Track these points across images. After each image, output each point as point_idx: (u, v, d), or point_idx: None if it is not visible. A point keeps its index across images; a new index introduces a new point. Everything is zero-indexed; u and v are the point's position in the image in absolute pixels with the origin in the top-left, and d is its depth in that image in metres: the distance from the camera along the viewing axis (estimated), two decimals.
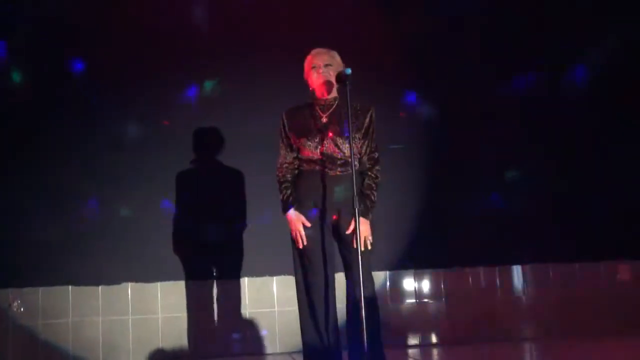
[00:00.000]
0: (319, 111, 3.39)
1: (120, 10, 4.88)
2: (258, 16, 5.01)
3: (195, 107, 4.89)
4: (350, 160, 3.19)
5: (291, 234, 3.36)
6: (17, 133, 4.72)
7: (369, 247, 3.29)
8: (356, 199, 3.04)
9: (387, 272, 4.93)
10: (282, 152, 3.46)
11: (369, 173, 3.37)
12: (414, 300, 4.98)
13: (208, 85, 4.87)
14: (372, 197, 3.33)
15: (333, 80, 3.32)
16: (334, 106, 3.38)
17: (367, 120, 3.37)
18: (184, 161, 4.82)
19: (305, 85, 3.50)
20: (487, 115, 5.12)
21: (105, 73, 4.81)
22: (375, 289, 3.41)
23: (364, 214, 3.25)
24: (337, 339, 3.32)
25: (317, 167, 3.32)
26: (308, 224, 3.28)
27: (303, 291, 3.33)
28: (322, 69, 3.34)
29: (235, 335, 4.75)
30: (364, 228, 3.24)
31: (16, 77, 4.77)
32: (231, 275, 4.80)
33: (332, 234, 3.38)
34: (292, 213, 3.32)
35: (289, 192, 3.36)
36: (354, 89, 3.19)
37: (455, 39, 5.15)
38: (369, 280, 3.29)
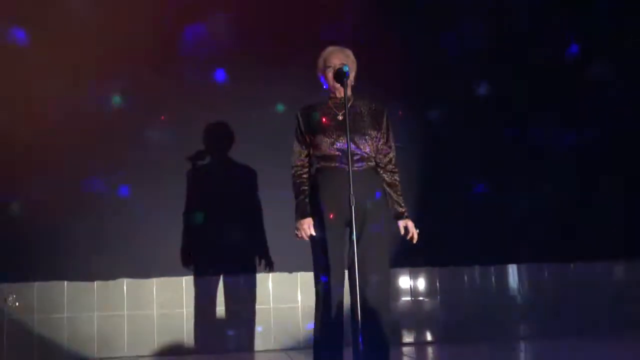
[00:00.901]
0: (334, 109, 3.41)
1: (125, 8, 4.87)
2: (260, 15, 4.99)
3: (195, 105, 4.85)
4: (366, 155, 3.32)
5: (297, 233, 3.33)
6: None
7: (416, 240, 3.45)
8: (352, 198, 3.03)
9: None
10: (297, 149, 3.45)
11: (396, 177, 3.47)
12: (409, 298, 4.99)
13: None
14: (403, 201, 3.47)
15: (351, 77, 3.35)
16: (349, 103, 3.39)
17: (385, 119, 3.43)
18: (181, 158, 4.79)
19: (317, 82, 3.49)
20: (486, 115, 5.12)
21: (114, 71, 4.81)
22: None
23: (407, 216, 3.45)
24: (341, 335, 3.31)
25: (334, 164, 3.33)
26: (314, 233, 3.29)
27: (322, 287, 3.30)
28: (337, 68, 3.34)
29: (231, 332, 4.75)
30: (413, 228, 3.44)
31: None
32: (227, 271, 4.80)
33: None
34: (304, 220, 3.32)
35: (306, 200, 3.36)
36: (353, 88, 3.24)
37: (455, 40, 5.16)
38: (384, 280, 3.32)
